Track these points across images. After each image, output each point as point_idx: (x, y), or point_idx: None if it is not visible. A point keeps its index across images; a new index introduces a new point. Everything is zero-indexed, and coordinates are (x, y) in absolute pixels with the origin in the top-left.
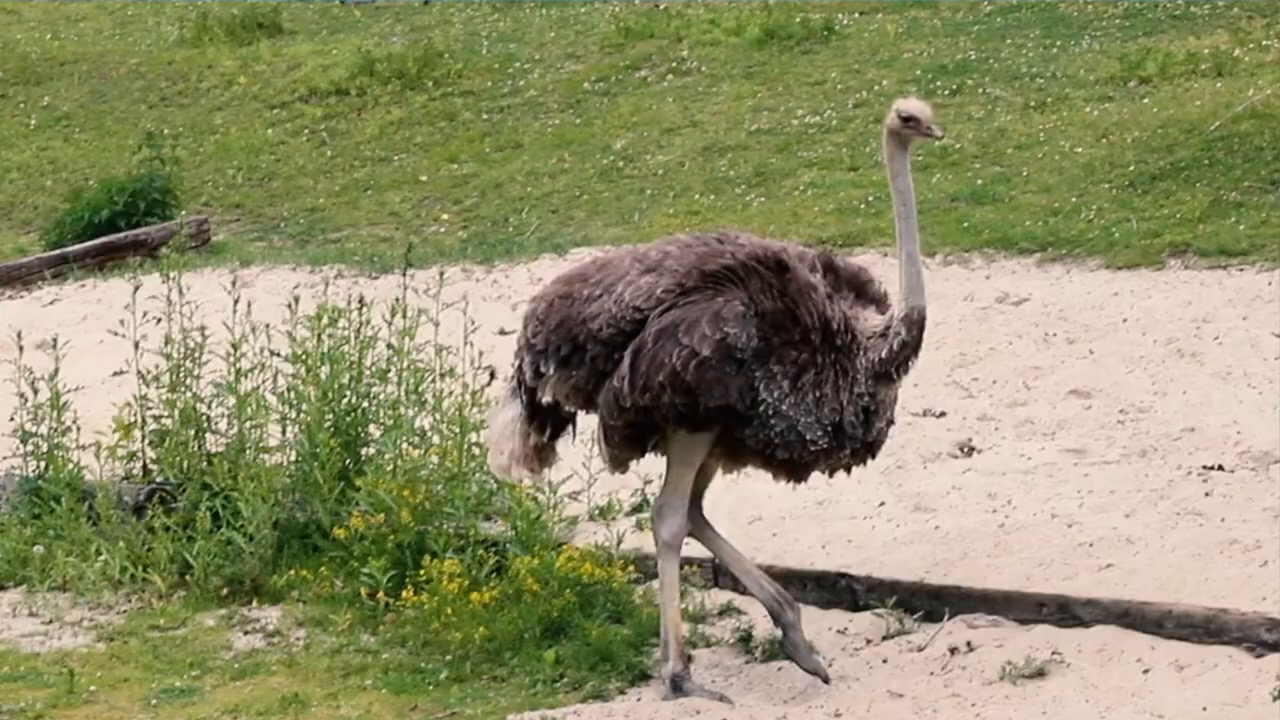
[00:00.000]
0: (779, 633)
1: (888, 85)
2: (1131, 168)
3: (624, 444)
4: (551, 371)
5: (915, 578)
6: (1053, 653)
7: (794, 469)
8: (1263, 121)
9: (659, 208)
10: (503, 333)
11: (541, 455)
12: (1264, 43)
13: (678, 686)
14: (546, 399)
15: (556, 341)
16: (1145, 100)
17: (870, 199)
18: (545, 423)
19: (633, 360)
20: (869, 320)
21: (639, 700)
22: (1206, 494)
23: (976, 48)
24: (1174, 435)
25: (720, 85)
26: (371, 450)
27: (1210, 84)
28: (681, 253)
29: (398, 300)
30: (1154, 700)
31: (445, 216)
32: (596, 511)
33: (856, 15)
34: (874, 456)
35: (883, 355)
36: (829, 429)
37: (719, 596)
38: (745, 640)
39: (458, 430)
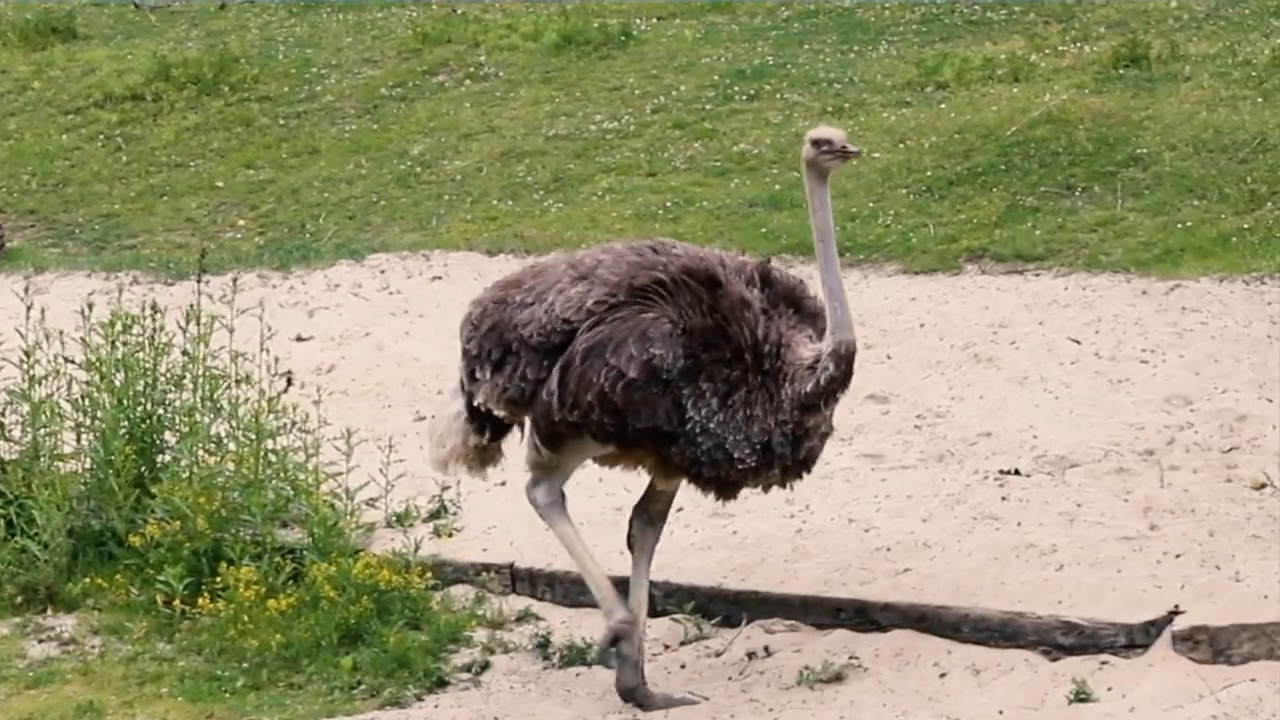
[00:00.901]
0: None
1: (685, 90)
2: (929, 173)
3: (554, 451)
4: (486, 377)
5: (713, 583)
6: (850, 657)
7: (722, 486)
8: (1059, 127)
9: (457, 213)
10: (299, 339)
11: (484, 455)
12: (1060, 48)
13: (620, 638)
14: (480, 404)
15: (489, 346)
16: (942, 105)
17: (668, 204)
18: (484, 425)
19: (561, 376)
20: (800, 349)
21: (436, 707)
22: (1003, 498)
23: (774, 53)
24: (971, 440)
25: (518, 90)
26: (167, 457)
27: (1007, 89)
28: (615, 262)
29: (193, 306)
30: (951, 704)
31: (241, 222)
32: (394, 518)
33: (654, 20)
34: (808, 472)
35: (808, 389)
36: (757, 448)
37: (517, 602)
38: (543, 646)
39: (254, 437)
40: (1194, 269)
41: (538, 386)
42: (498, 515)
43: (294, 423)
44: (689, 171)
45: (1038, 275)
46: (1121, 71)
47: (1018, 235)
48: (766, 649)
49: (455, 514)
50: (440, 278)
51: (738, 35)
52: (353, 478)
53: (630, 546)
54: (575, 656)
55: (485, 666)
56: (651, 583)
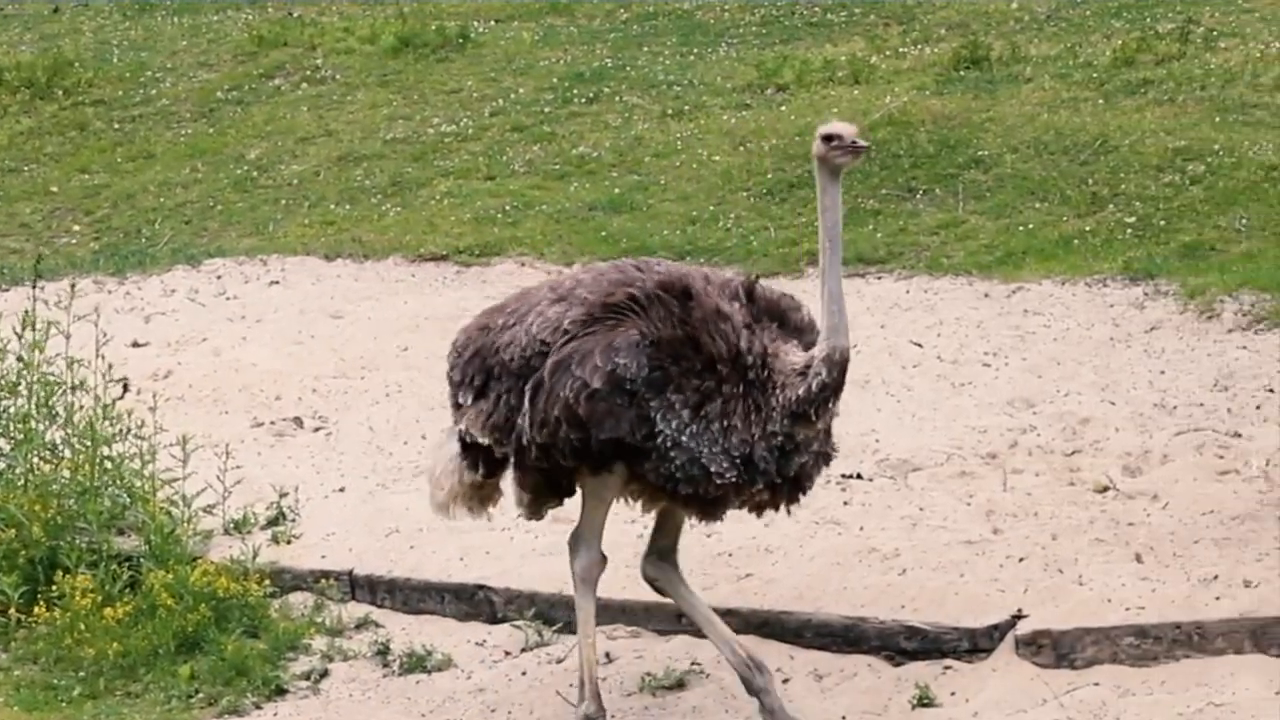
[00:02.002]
0: (754, 702)
1: (524, 93)
2: (769, 175)
3: (536, 489)
4: (469, 403)
5: (554, 589)
6: (692, 663)
7: (703, 505)
8: (900, 129)
9: (294, 218)
10: (135, 345)
11: (482, 493)
12: (900, 50)
13: None
14: (464, 431)
15: (471, 373)
16: (783, 108)
17: (507, 208)
18: (478, 460)
19: (533, 395)
20: (790, 356)
21: (275, 715)
22: (845, 502)
23: (613, 55)
24: None
25: (355, 94)
26: (2, 464)
27: (848, 91)
28: (594, 281)
29: (28, 312)
30: (793, 708)
31: (76, 227)
32: (232, 525)
33: (492, 23)
34: (803, 493)
35: (800, 394)
36: (737, 461)
37: (356, 609)
38: (383, 653)
39: (90, 444)
40: (1036, 271)
41: (514, 415)
42: (337, 522)
43: (130, 429)
44: (528, 175)
45: (879, 278)
46: (962, 73)
47: (859, 238)
48: (608, 655)
49: (294, 521)
50: (278, 282)
51: (576, 38)
52: (190, 484)
53: (661, 592)
54: (415, 664)
55: (324, 674)
56: (491, 589)
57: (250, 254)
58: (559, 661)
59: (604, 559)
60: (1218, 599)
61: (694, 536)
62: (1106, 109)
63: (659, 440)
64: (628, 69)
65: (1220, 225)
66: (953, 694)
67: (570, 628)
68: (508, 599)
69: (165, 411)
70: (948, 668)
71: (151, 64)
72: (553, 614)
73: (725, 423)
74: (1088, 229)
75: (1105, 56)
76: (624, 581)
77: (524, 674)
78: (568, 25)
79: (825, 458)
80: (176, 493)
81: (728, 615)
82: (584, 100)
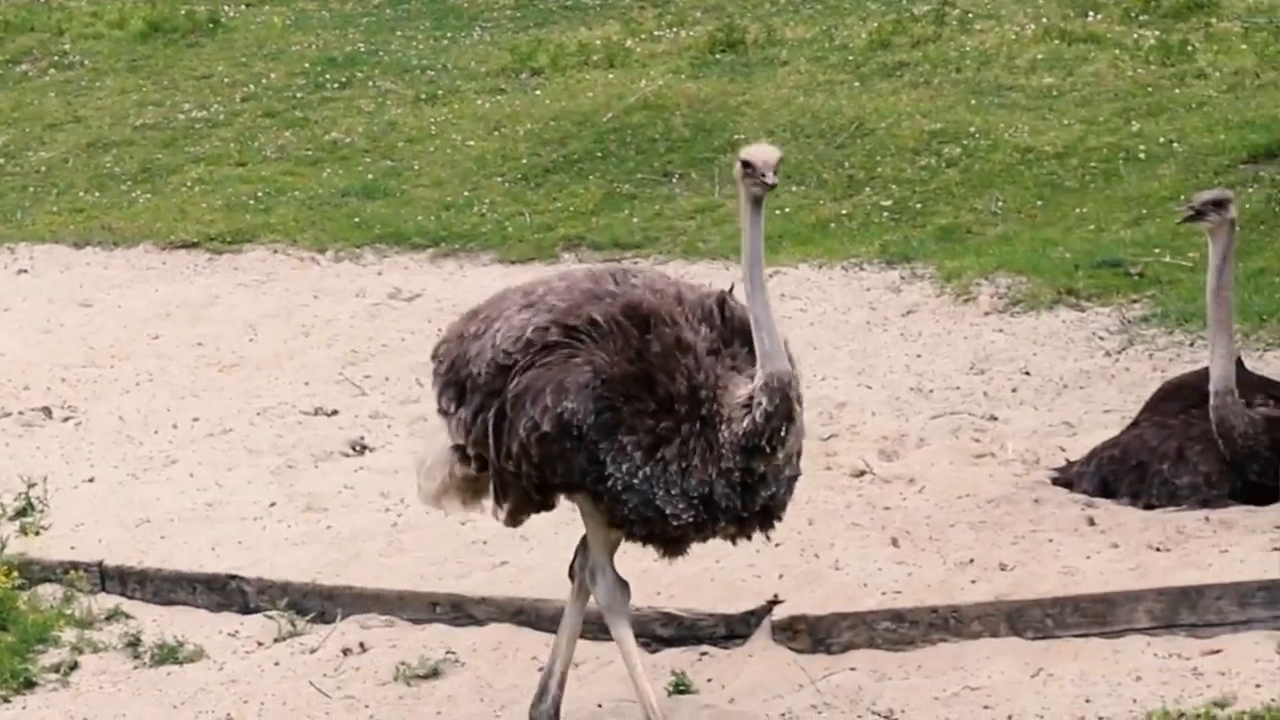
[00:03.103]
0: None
1: (276, 78)
2: (524, 160)
3: (515, 503)
4: (452, 411)
5: (307, 579)
6: (447, 652)
7: (664, 544)
8: (655, 113)
9: (42, 206)
10: None
11: (475, 486)
12: (655, 33)
13: None
14: (450, 438)
15: (448, 381)
16: (537, 92)
17: (259, 194)
18: (469, 456)
19: (496, 424)
20: (738, 389)
21: (24, 709)
22: None
23: (366, 40)
24: None
25: (104, 79)
26: None
27: (603, 75)
28: (566, 290)
29: None
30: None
31: None
32: None
33: (243, 7)
34: (776, 520)
35: (745, 428)
36: (694, 502)
37: (106, 601)
38: (134, 645)
39: None
40: (793, 255)
41: (489, 431)
42: (86, 512)
43: None
44: (280, 161)
45: (635, 263)
46: (718, 57)
47: (615, 223)
48: (362, 645)
49: (42, 511)
50: (25, 271)
51: (329, 22)
52: None
53: (570, 576)
54: (166, 655)
55: (74, 666)
56: (243, 579)
57: None
58: (312, 651)
59: (624, 585)
60: (974, 582)
61: (449, 525)
62: (862, 92)
63: (609, 483)
64: (381, 54)
65: (976, 208)
66: (709, 680)
67: (324, 618)
68: (260, 589)
69: None
70: (704, 654)
71: None
72: (305, 604)
73: (684, 464)
74: (844, 212)
75: (861, 39)
76: (377, 571)
77: (277, 664)
78: (319, 10)
79: (795, 480)
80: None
81: (482, 603)
82: (337, 85)
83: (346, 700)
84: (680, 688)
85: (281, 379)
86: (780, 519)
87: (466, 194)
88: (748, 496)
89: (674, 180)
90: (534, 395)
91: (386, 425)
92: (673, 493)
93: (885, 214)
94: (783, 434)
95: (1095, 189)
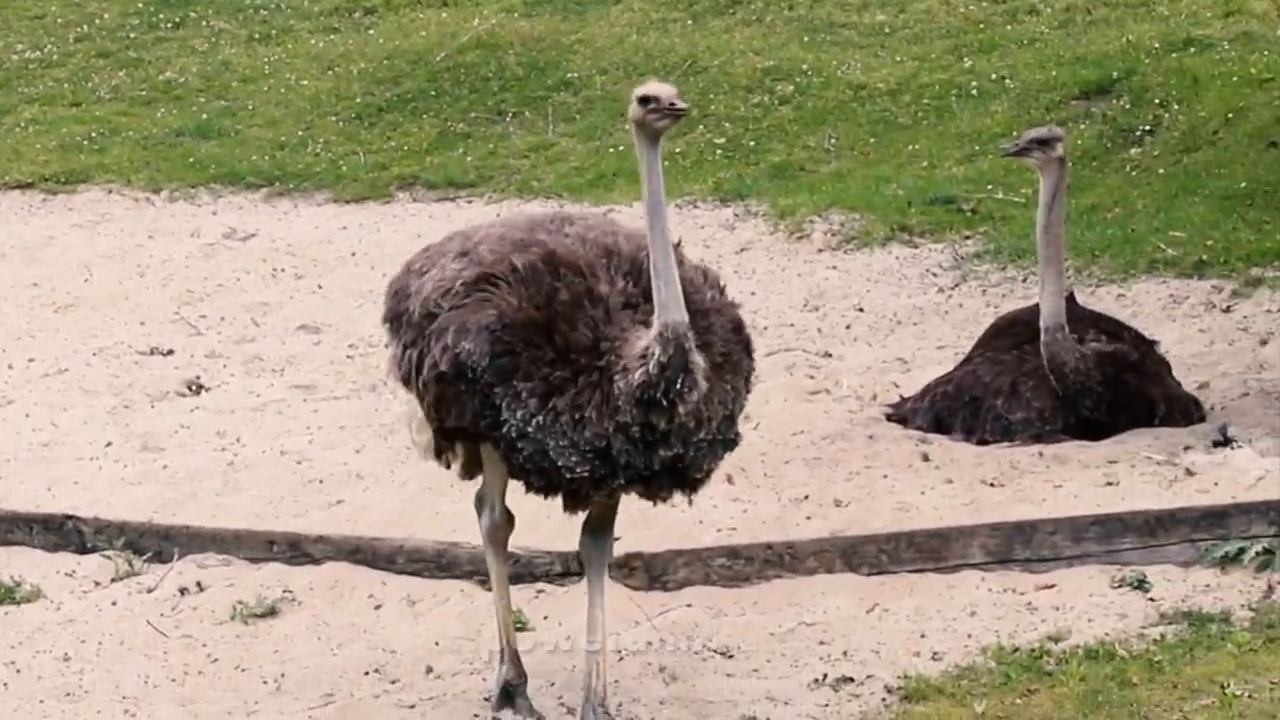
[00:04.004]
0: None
1: (109, 18)
2: (358, 100)
3: (431, 444)
4: (389, 345)
5: (144, 518)
6: (284, 590)
7: (564, 496)
8: (489, 52)
9: None
10: None
11: None
12: None
13: (508, 696)
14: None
15: (390, 313)
16: (370, 31)
17: (93, 134)
18: None
19: (417, 361)
20: (638, 341)
21: None
22: None
23: None
24: None
25: None
26: None
27: (436, 14)
28: (499, 240)
29: None
30: (386, 635)
31: None
32: None
33: None
34: (693, 483)
35: (638, 379)
36: (588, 456)
37: None
38: None
39: None
40: (626, 193)
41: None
42: None
43: None
44: (114, 101)
45: (470, 202)
46: None
47: (449, 162)
48: (199, 584)
49: None
50: None
51: None
52: None
53: (580, 562)
54: (4, 595)
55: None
56: (80, 519)
57: None
58: (149, 591)
59: (509, 518)
60: (809, 519)
61: (285, 464)
62: (695, 30)
63: (504, 429)
64: None
65: (809, 145)
66: (546, 618)
67: (161, 557)
68: (97, 529)
69: None
70: (540, 591)
71: None
72: (142, 543)
73: (577, 415)
74: (678, 150)
75: None
76: (214, 510)
77: (114, 604)
78: None
79: (724, 445)
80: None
81: (319, 542)
82: (170, 25)
83: (184, 639)
84: (517, 625)
85: (117, 319)
86: (700, 483)
87: (301, 133)
88: (649, 454)
89: (508, 119)
90: (438, 334)
91: (222, 365)
92: (563, 444)
93: (719, 151)
94: (679, 386)
95: (928, 126)
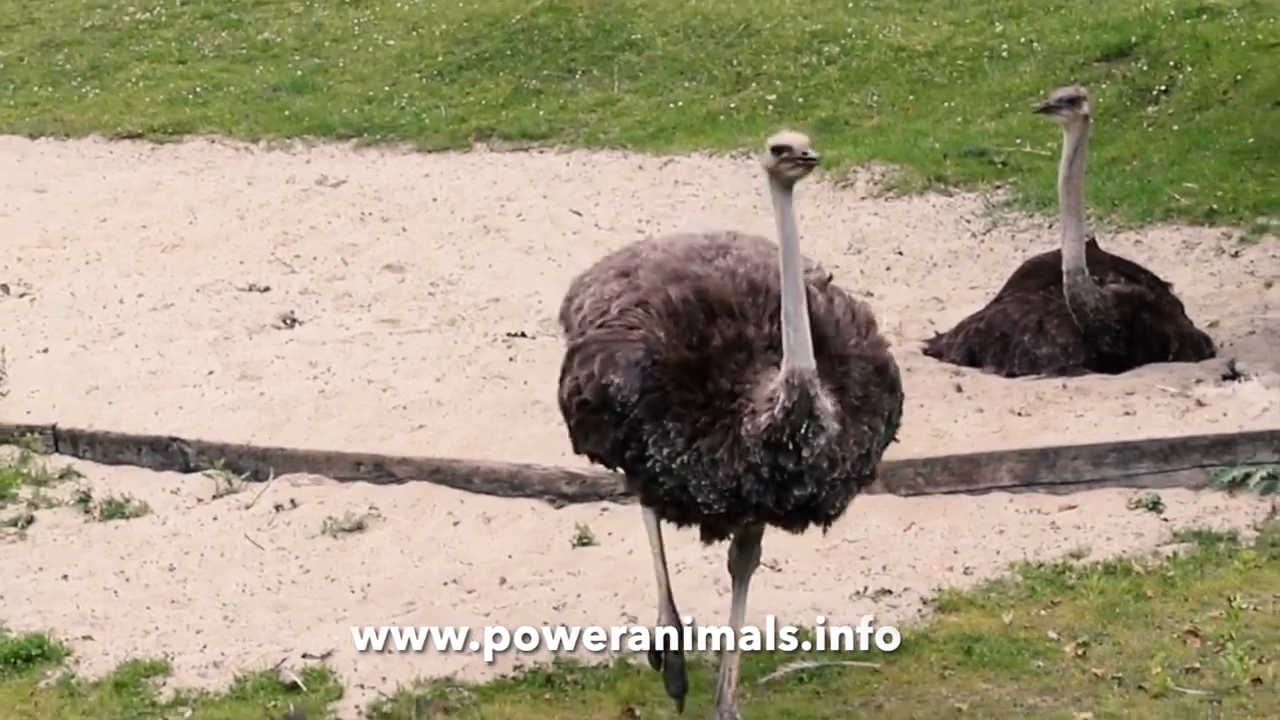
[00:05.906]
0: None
1: None
2: (440, 58)
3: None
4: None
5: (242, 441)
6: (370, 508)
7: (700, 527)
8: (560, 14)
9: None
10: None
11: None
12: None
13: (663, 643)
14: None
15: (560, 317)
16: None
17: (198, 89)
18: None
19: (563, 370)
20: (768, 385)
21: None
22: (511, 359)
23: None
24: (481, 305)
25: None
26: None
27: None
28: (656, 267)
29: None
30: (463, 549)
31: None
32: None
33: None
34: (826, 519)
35: (764, 422)
36: (725, 494)
37: (59, 461)
38: (85, 501)
39: None
40: (685, 145)
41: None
42: (41, 380)
43: None
44: (217, 59)
45: (542, 153)
46: None
47: (523, 116)
48: (293, 501)
49: (1, 379)
50: None
51: None
52: None
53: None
54: (114, 511)
55: (30, 521)
56: (184, 441)
57: None
58: (247, 507)
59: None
60: None
61: (372, 392)
62: None
63: (648, 464)
64: None
65: (854, 102)
66: (610, 534)
67: (258, 476)
68: (199, 450)
69: None
70: (605, 510)
71: None
72: (241, 464)
73: (714, 456)
74: (733, 106)
75: None
76: (306, 433)
77: (215, 519)
78: None
79: (858, 482)
80: None
81: (402, 463)
82: None
83: (279, 551)
84: (583, 540)
85: (219, 258)
86: (833, 518)
87: (387, 89)
88: (781, 494)
89: (577, 76)
90: (586, 357)
91: (314, 301)
92: (704, 483)
93: (770, 108)
94: (804, 431)
95: (962, 84)
